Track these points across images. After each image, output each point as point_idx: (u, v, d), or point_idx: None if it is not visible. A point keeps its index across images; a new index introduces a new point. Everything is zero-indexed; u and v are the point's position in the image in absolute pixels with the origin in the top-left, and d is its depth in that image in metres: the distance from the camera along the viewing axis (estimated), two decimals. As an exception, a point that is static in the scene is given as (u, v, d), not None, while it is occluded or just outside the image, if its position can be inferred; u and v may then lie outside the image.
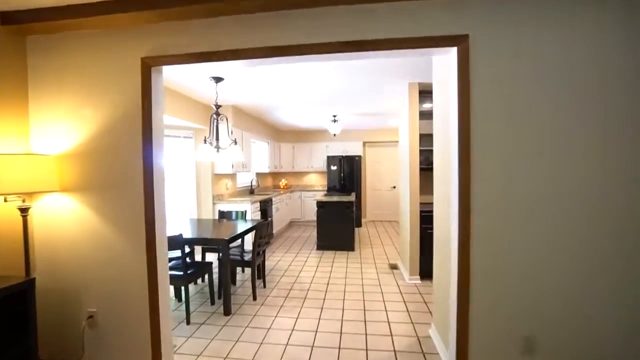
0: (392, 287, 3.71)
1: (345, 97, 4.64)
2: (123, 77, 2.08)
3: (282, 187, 8.25)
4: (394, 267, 4.42)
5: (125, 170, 2.10)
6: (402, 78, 3.69)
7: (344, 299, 3.37)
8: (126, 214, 2.11)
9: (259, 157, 7.21)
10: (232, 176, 5.79)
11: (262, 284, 3.80)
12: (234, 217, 4.32)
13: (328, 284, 3.85)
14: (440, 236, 2.46)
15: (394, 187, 8.36)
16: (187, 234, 3.21)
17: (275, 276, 4.15)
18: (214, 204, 5.08)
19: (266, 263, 4.68)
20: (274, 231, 6.23)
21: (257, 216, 5.25)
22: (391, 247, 5.59)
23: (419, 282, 3.79)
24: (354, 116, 6.22)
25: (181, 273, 2.85)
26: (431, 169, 4.19)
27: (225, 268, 2.98)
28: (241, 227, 3.60)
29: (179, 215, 4.88)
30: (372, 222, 8.36)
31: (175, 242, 2.76)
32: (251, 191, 6.62)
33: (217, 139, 3.50)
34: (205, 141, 3.31)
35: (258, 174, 7.36)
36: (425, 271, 3.79)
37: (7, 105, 2.13)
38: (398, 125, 6.94)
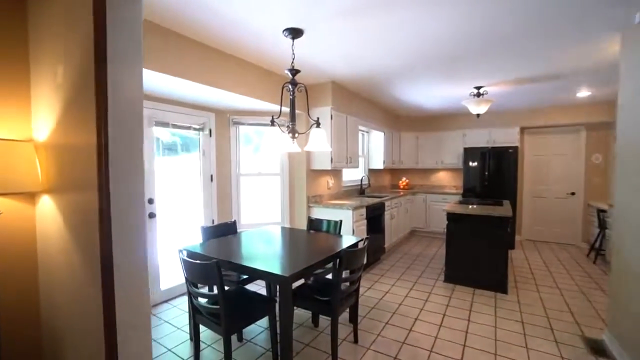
0: (608, 408, 1.81)
1: (499, 49, 2.82)
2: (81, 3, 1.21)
3: (401, 186, 6.74)
4: (596, 348, 2.37)
5: (79, 167, 1.25)
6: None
7: (495, 416, 1.76)
8: (82, 232, 1.26)
9: (373, 149, 5.94)
10: (335, 173, 4.74)
11: (352, 334, 2.56)
12: (324, 228, 3.22)
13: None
14: None
15: (573, 193, 5.58)
16: (265, 252, 2.30)
17: (375, 322, 2.83)
18: (309, 207, 4.15)
19: (367, 294, 3.40)
20: (386, 244, 4.86)
21: (361, 227, 4.02)
22: (577, 295, 3.34)
23: (684, 414, 1.73)
24: (508, 87, 4.13)
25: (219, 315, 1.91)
26: None
27: (284, 324, 1.87)
28: (328, 247, 2.46)
29: (271, 222, 4.17)
30: (532, 242, 5.83)
31: (207, 272, 1.84)
32: (361, 191, 5.44)
33: (293, 119, 2.44)
34: (273, 122, 2.30)
35: (371, 171, 6.10)
36: None
37: (4, 80, 1.61)
38: (593, 94, 4.12)
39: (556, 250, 5.27)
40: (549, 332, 2.62)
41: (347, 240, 2.67)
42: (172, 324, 2.82)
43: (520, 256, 4.89)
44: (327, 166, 4.01)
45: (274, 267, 1.97)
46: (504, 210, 3.59)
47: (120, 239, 1.14)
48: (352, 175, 5.50)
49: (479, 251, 3.56)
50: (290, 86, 2.40)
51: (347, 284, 2.31)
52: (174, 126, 3.34)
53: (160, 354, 2.37)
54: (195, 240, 2.92)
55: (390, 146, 6.08)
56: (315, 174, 4.28)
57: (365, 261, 3.41)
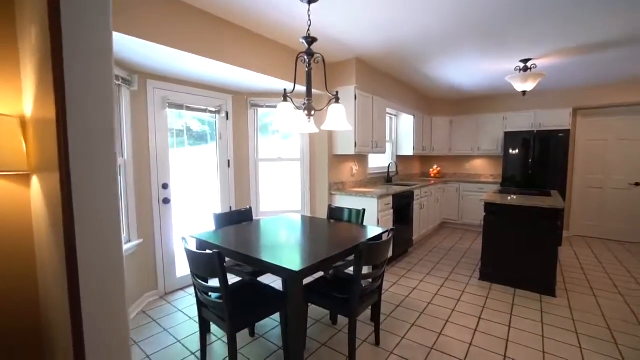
0: None
1: (558, 7, 2.34)
2: None
3: (432, 175, 6.28)
4: (677, 370, 1.94)
5: (46, 144, 1.07)
6: None
7: None
8: (54, 219, 1.09)
9: (402, 134, 5.52)
10: (360, 159, 4.43)
11: (373, 335, 2.30)
12: (345, 217, 2.95)
13: (503, 375, 1.93)
14: None
15: (637, 184, 4.86)
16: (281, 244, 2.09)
17: (400, 322, 2.55)
18: (331, 194, 3.88)
19: (393, 290, 3.12)
20: (415, 237, 4.51)
21: (387, 217, 3.70)
22: (645, 304, 2.84)
23: None
24: (563, 59, 3.55)
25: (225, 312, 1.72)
26: None
27: (293, 325, 1.65)
28: (347, 238, 2.20)
29: (291, 210, 3.96)
30: (582, 238, 5.19)
31: (207, 264, 1.65)
32: (388, 179, 5.09)
33: (310, 94, 2.16)
34: (285, 97, 2.04)
35: (400, 158, 5.71)
36: None
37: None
38: None
39: (614, 249, 4.63)
40: (612, 347, 2.20)
41: (370, 231, 2.39)
42: (185, 313, 2.72)
43: (569, 254, 4.34)
44: (351, 151, 3.70)
45: (284, 259, 1.74)
46: (554, 201, 3.12)
47: (86, 230, 0.95)
48: (379, 162, 5.15)
49: (522, 247, 3.13)
50: (305, 56, 2.12)
51: (370, 280, 2.05)
52: (189, 108, 3.19)
53: (168, 344, 2.26)
54: (210, 227, 2.77)
55: (420, 131, 5.62)
56: (338, 159, 3.99)
57: (390, 255, 3.14)
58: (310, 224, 2.68)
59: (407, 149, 5.45)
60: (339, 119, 2.09)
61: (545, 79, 4.42)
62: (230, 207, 3.62)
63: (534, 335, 2.34)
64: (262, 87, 3.48)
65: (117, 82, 2.46)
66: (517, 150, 5.22)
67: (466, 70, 4.10)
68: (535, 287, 3.09)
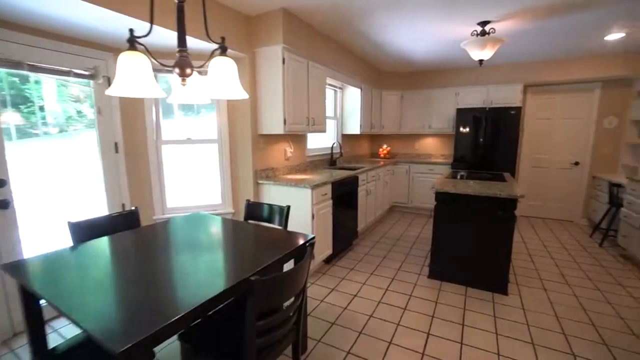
0: None
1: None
2: None
3: (382, 155, 5.82)
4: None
5: None
6: None
7: None
8: None
9: (348, 111, 4.90)
10: (295, 139, 3.73)
11: (295, 381, 1.73)
12: (265, 215, 2.29)
13: None
14: None
15: (577, 163, 4.82)
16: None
17: (331, 351, 1.99)
18: (257, 183, 3.17)
19: (329, 299, 2.55)
20: (360, 227, 4.02)
21: (326, 209, 3.10)
22: (593, 294, 2.62)
23: None
24: (521, 23, 3.11)
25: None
26: None
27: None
28: (248, 260, 1.54)
29: (209, 205, 3.18)
30: (526, 219, 5.15)
31: None
32: (331, 162, 4.48)
33: (183, 43, 1.37)
34: (132, 43, 1.24)
35: (346, 137, 5.12)
36: None
37: None
38: (630, 36, 2.96)
39: (555, 228, 4.59)
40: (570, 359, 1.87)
41: (288, 242, 1.75)
42: (34, 363, 1.91)
43: (516, 239, 4.17)
44: (279, 130, 2.98)
45: (104, 320, 1.02)
46: (510, 187, 2.74)
47: None
48: (321, 142, 4.51)
49: (473, 240, 2.75)
50: (170, -21, 1.31)
51: (281, 321, 1.42)
52: (35, 69, 2.19)
53: None
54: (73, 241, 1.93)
55: (369, 107, 5.05)
56: (266, 140, 3.25)
57: (330, 252, 2.57)
58: (211, 231, 1.96)
59: (354, 127, 4.86)
60: (227, 80, 1.35)
61: (498, 51, 4.03)
62: (123, 205, 2.76)
63: (489, 354, 1.94)
64: (163, 42, 2.57)
65: None
66: (468, 129, 4.91)
67: (417, 35, 3.52)
68: (486, 285, 2.76)
